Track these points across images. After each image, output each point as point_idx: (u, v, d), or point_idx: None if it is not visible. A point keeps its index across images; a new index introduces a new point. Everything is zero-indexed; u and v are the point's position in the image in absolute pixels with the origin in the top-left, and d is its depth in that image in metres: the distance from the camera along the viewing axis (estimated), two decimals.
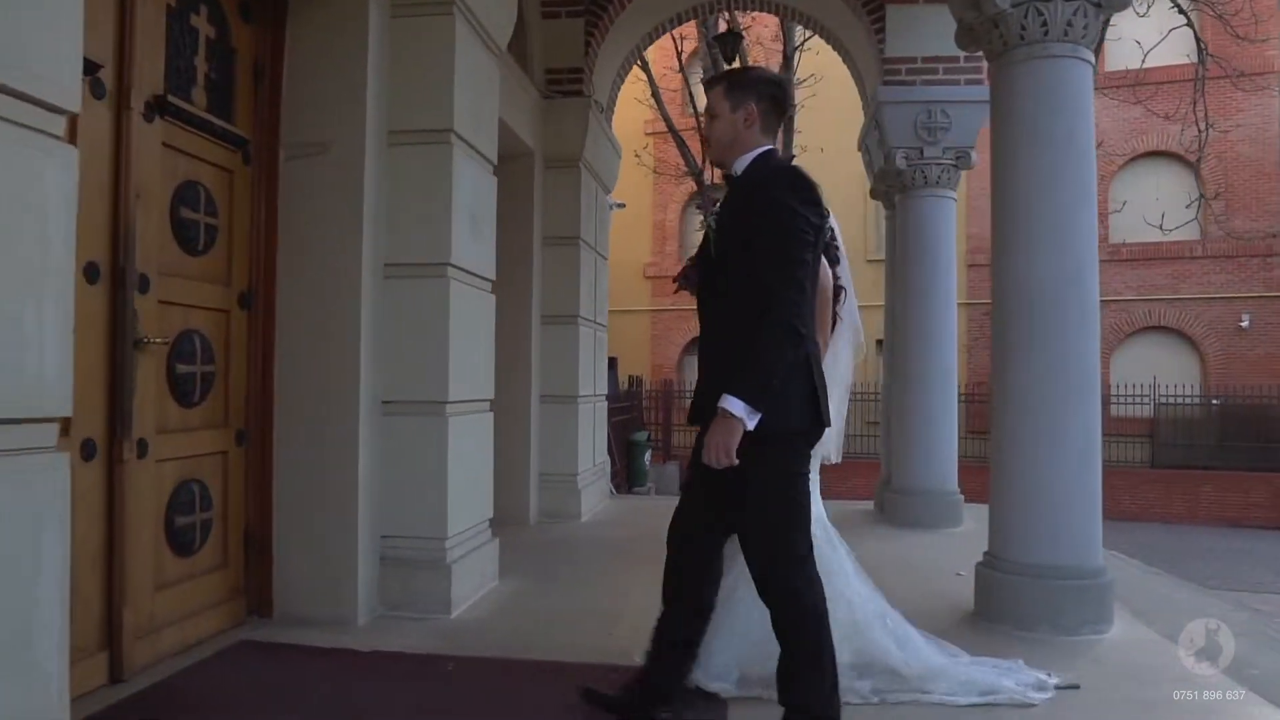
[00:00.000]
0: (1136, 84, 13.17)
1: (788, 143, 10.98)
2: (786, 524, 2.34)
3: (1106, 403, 14.54)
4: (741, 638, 2.80)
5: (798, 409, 2.33)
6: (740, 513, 2.38)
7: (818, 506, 2.99)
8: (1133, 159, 15.68)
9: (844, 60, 7.22)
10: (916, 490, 6.24)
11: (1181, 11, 8.68)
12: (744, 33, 11.57)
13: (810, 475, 2.78)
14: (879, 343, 17.08)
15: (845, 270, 3.18)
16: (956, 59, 6.05)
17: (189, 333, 3.21)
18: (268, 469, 3.58)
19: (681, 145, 12.56)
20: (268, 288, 3.59)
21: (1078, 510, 3.61)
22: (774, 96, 2.50)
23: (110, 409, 2.78)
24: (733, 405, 2.22)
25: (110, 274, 2.76)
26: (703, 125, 2.64)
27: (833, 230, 2.94)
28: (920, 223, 6.21)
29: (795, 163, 11.21)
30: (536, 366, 6.20)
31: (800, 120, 11.26)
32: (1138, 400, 14.76)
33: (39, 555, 1.67)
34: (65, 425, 1.75)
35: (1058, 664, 3.13)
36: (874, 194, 7.18)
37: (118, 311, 2.78)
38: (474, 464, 4.00)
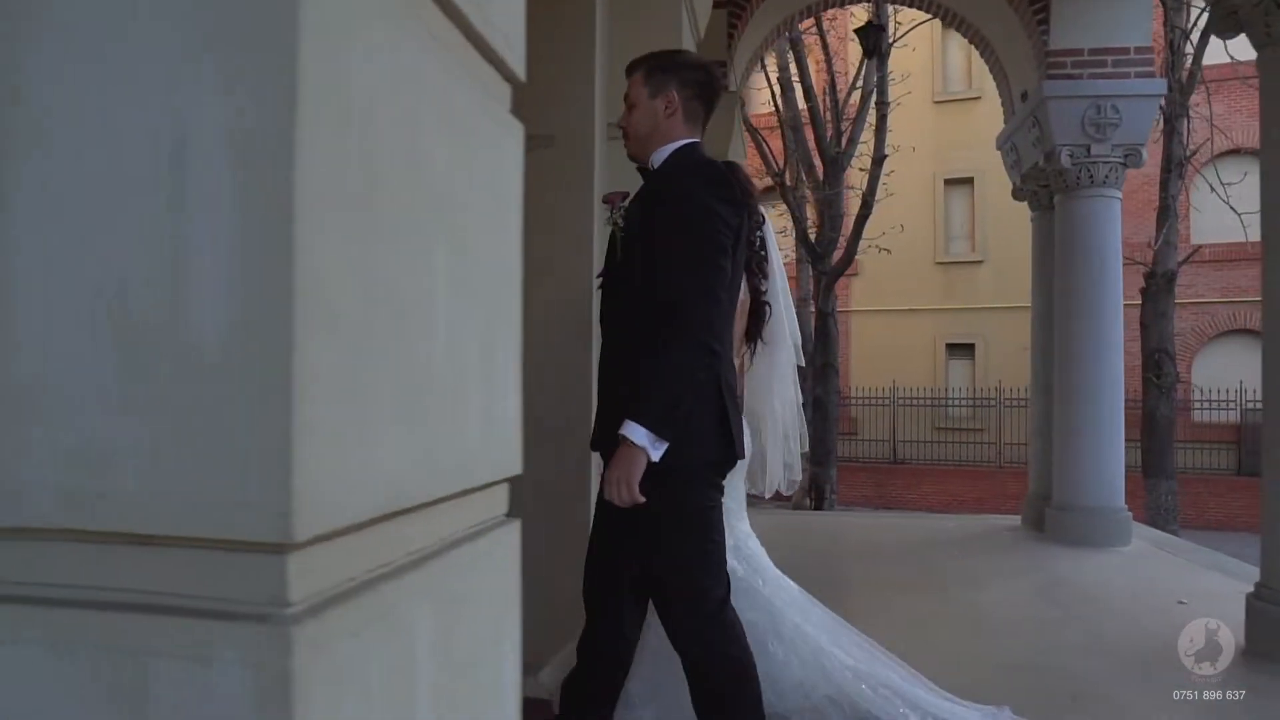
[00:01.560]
0: (1239, 78, 12.51)
1: (880, 141, 10.64)
2: (701, 568, 2.04)
3: (1188, 408, 14.09)
4: (655, 687, 2.47)
5: (706, 438, 2.01)
6: (646, 556, 2.05)
7: (754, 543, 2.73)
8: (1217, 157, 15.20)
9: (982, 54, 6.87)
10: (1083, 506, 5.85)
11: None
12: (831, 25, 11.21)
13: (731, 505, 2.50)
14: (949, 346, 16.88)
15: (777, 284, 2.72)
16: (1126, 50, 5.69)
17: None
18: None
19: (760, 143, 12.19)
20: None
21: None
22: (699, 83, 2.17)
23: None
24: (634, 433, 1.89)
25: None
26: (621, 117, 2.25)
27: (763, 240, 2.61)
28: (1085, 224, 5.83)
29: (885, 160, 10.74)
30: None
31: (890, 119, 10.91)
32: (1223, 405, 14.29)
33: (501, 651, 1.28)
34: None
35: None
36: (1017, 195, 6.83)
37: None
38: None
